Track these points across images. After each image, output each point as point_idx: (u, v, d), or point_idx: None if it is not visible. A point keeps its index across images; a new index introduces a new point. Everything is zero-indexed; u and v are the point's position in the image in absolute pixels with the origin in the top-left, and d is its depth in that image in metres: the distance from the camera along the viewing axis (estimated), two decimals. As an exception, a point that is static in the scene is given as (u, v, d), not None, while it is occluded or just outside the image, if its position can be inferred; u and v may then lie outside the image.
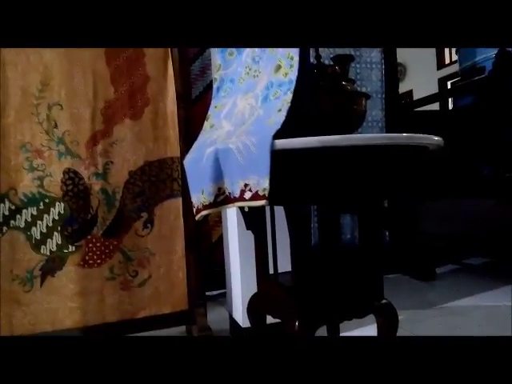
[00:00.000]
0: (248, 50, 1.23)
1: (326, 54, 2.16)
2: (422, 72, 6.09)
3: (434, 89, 5.63)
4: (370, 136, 1.06)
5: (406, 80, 6.33)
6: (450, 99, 3.35)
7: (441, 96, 4.01)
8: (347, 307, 1.17)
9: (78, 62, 1.67)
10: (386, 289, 1.20)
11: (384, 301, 1.16)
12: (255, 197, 0.96)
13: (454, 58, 5.40)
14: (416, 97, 5.52)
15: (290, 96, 1.02)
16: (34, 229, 1.63)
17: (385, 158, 1.03)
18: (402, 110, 2.61)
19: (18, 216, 1.62)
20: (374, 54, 2.37)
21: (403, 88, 5.70)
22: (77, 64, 1.67)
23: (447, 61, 5.99)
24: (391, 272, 2.68)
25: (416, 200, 2.52)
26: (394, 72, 2.56)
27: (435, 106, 3.21)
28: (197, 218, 1.14)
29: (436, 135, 1.06)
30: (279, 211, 1.31)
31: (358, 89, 2.22)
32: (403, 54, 4.04)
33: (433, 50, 6.10)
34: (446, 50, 6.02)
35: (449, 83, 5.77)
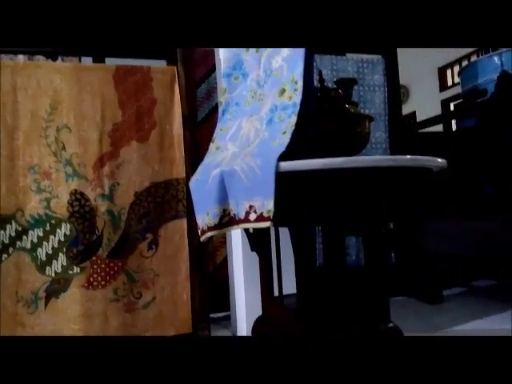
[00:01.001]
0: (253, 75, 1.26)
1: (330, 77, 2.20)
2: (425, 94, 6.14)
3: (436, 110, 5.66)
4: (374, 158, 1.07)
5: (409, 102, 6.38)
6: (453, 121, 3.37)
7: (444, 117, 4.04)
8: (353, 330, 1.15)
9: (87, 86, 1.71)
10: (393, 312, 1.18)
11: (391, 324, 1.15)
12: (260, 218, 0.97)
13: (456, 80, 5.45)
14: (419, 118, 5.55)
15: (294, 119, 1.03)
16: (39, 250, 1.64)
17: (389, 180, 1.04)
18: (405, 132, 2.63)
19: (25, 237, 1.63)
20: (377, 77, 2.40)
21: (406, 110, 5.74)
22: (85, 88, 1.71)
23: (449, 83, 6.05)
24: (398, 294, 2.64)
25: (421, 221, 2.51)
26: (396, 94, 2.59)
27: (439, 127, 3.22)
28: (202, 239, 1.14)
29: (440, 156, 1.06)
30: (284, 233, 1.31)
31: (362, 111, 2.25)
32: (406, 77, 4.08)
33: (435, 72, 6.17)
34: (448, 72, 6.08)
35: (451, 105, 5.81)
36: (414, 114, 6.01)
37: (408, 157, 0.99)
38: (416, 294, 2.61)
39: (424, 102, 6.01)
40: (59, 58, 1.98)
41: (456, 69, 5.73)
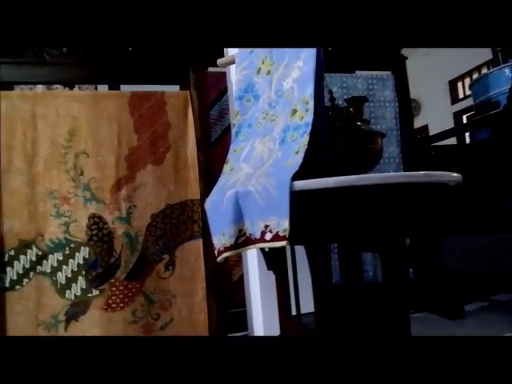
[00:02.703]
0: (265, 96, 1.29)
1: (340, 94, 2.23)
2: (437, 107, 6.13)
3: (449, 123, 5.64)
4: (387, 175, 1.08)
5: (420, 115, 6.36)
6: (466, 133, 3.35)
7: (457, 130, 4.02)
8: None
9: (104, 112, 1.77)
10: (414, 328, 1.16)
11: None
12: (276, 238, 0.98)
13: (468, 92, 5.44)
14: (432, 131, 5.53)
15: (306, 138, 1.05)
16: (59, 274, 1.66)
17: (404, 196, 1.04)
18: (418, 146, 2.62)
19: (45, 261, 1.66)
20: (387, 93, 2.42)
21: (418, 123, 5.73)
22: (102, 114, 1.76)
23: (461, 95, 6.04)
24: (418, 310, 2.59)
25: (439, 236, 2.48)
26: (407, 108, 2.59)
27: (452, 140, 3.21)
28: (218, 259, 1.15)
29: (455, 169, 1.06)
30: (300, 250, 1.31)
31: (373, 127, 2.25)
32: (416, 90, 4.09)
33: (446, 85, 6.17)
34: (459, 85, 6.08)
35: (464, 117, 5.78)
36: (426, 127, 6.00)
37: (422, 172, 1.00)
38: (437, 310, 2.56)
39: (436, 115, 5.99)
40: (76, 87, 2.05)
41: (467, 81, 5.73)
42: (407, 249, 2.39)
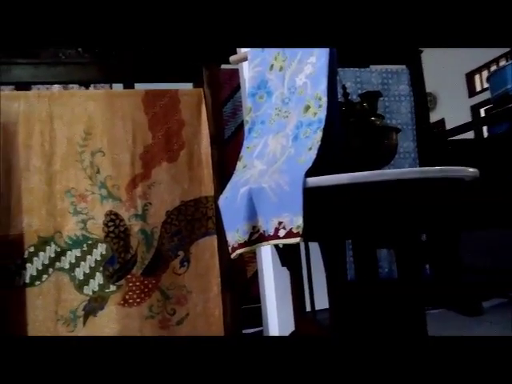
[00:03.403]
0: (277, 93, 1.29)
1: (354, 89, 2.21)
2: (453, 100, 6.01)
3: (466, 117, 5.53)
4: (401, 171, 1.06)
5: (437, 109, 6.26)
6: (484, 127, 3.29)
7: (475, 124, 3.95)
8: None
9: (119, 111, 1.79)
10: (430, 325, 1.15)
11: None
12: (289, 234, 0.98)
13: (485, 85, 5.32)
14: (448, 125, 5.44)
15: (319, 134, 1.05)
16: (77, 270, 1.70)
17: (419, 192, 1.03)
18: (434, 140, 2.58)
19: (63, 258, 1.69)
20: (402, 87, 2.38)
21: (435, 117, 5.64)
22: (117, 113, 1.79)
23: (478, 88, 5.91)
24: (435, 307, 2.57)
25: (457, 232, 2.44)
26: (423, 102, 2.56)
27: (469, 134, 3.15)
28: (232, 256, 1.16)
29: (472, 163, 1.04)
30: (315, 246, 1.31)
31: (388, 122, 2.23)
32: (433, 84, 4.02)
33: (463, 78, 6.05)
34: (477, 78, 5.95)
35: (482, 110, 5.66)
36: (442, 121, 5.89)
37: (437, 168, 0.98)
38: (455, 307, 2.53)
39: (453, 109, 5.88)
40: (91, 86, 2.08)
41: (484, 74, 5.60)
42: (423, 245, 2.36)
